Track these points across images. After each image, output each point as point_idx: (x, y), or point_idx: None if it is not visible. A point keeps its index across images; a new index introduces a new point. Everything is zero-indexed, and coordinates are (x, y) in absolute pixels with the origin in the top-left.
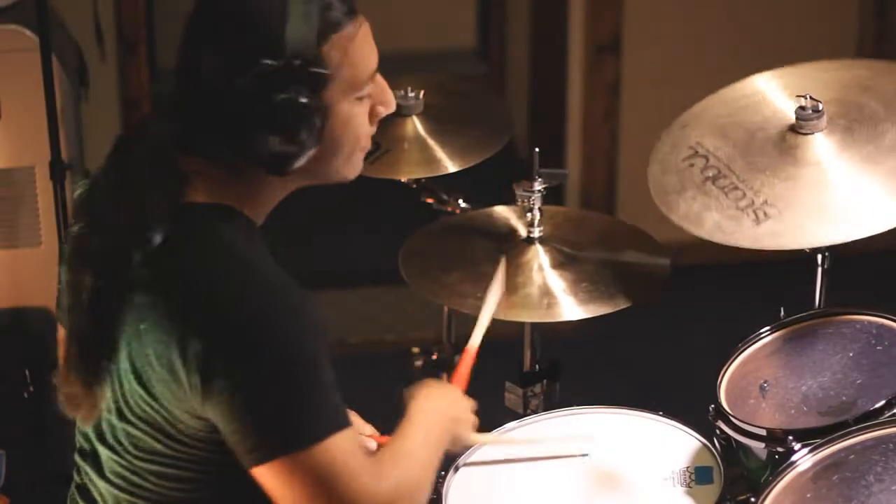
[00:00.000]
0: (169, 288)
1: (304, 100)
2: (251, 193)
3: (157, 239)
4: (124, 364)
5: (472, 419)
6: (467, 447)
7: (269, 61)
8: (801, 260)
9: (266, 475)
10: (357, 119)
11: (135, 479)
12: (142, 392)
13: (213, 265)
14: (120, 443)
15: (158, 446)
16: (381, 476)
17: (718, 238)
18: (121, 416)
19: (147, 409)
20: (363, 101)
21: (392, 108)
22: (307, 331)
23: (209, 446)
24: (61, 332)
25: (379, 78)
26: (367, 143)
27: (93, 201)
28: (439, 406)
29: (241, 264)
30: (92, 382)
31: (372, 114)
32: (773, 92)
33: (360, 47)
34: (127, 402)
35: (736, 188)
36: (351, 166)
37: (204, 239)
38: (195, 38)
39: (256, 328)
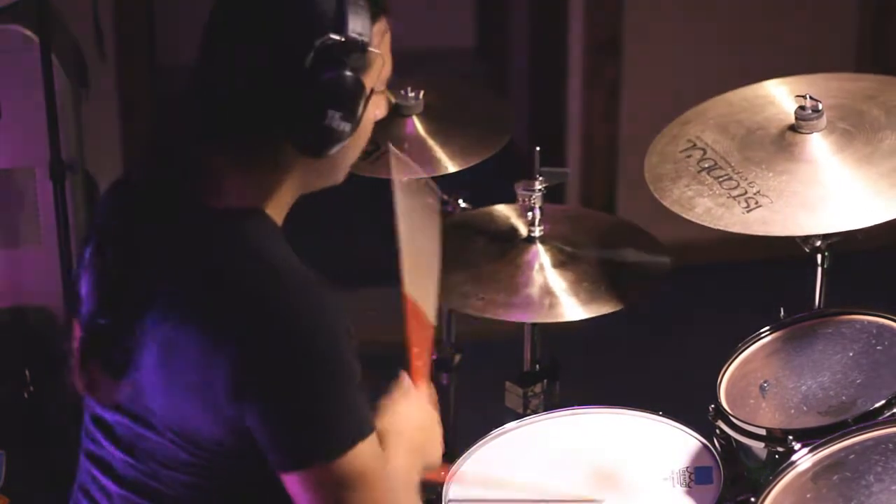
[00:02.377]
0: (197, 294)
1: (358, 78)
2: (271, 194)
3: (184, 244)
4: (149, 374)
5: (438, 438)
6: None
7: (333, 36)
8: (801, 260)
9: (296, 482)
10: (371, 115)
11: (154, 484)
12: (168, 401)
13: (240, 270)
14: (141, 450)
15: (184, 455)
16: (395, 478)
17: (708, 222)
18: (145, 424)
19: (174, 418)
20: (376, 99)
21: (384, 115)
22: (336, 332)
23: (236, 453)
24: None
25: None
26: (363, 144)
27: (119, 203)
28: (409, 432)
29: (269, 268)
30: (112, 373)
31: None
32: (779, 96)
33: (389, 42)
34: (151, 411)
35: (730, 178)
36: (346, 167)
37: (231, 242)
38: (244, 14)
39: (287, 333)
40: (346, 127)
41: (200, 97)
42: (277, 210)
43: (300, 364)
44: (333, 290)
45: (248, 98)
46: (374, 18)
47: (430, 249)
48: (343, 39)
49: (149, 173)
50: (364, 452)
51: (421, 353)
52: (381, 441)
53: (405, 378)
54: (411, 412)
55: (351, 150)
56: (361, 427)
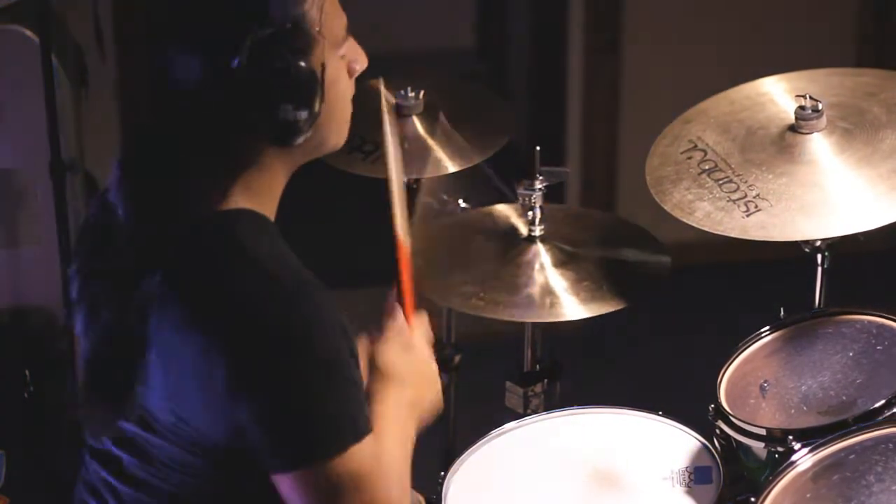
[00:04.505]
0: (192, 298)
1: (303, 63)
2: (258, 190)
3: (176, 250)
4: (153, 378)
5: (436, 382)
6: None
7: (260, 30)
8: (801, 260)
9: (289, 483)
10: (343, 78)
11: (163, 485)
12: (170, 404)
13: (233, 272)
14: (147, 451)
15: (189, 456)
16: (390, 476)
17: (707, 227)
18: (148, 427)
19: (178, 424)
20: (343, 60)
21: (365, 63)
22: (331, 331)
23: (240, 454)
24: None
25: (349, 36)
26: (350, 106)
27: (103, 221)
28: (402, 390)
29: (262, 268)
30: (115, 405)
31: (349, 72)
32: (778, 94)
33: (332, 3)
34: (156, 418)
35: (730, 181)
36: (343, 131)
37: (221, 245)
38: (171, 30)
39: (280, 333)
40: (303, 115)
41: (163, 108)
42: (268, 201)
43: (294, 364)
44: (327, 288)
45: (202, 106)
46: None
47: (401, 183)
48: (273, 30)
49: (130, 182)
50: (359, 454)
51: (410, 290)
52: (376, 419)
53: (399, 314)
54: (407, 359)
55: (333, 118)
56: (357, 428)
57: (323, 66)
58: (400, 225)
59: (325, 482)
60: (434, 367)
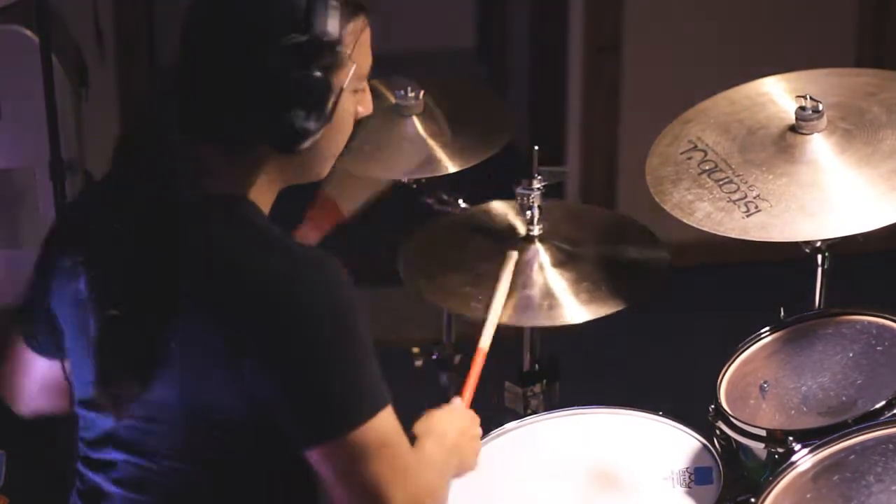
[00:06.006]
0: (212, 274)
1: (324, 76)
2: (254, 187)
3: (188, 226)
4: (167, 360)
5: (478, 446)
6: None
7: (297, 35)
8: (801, 260)
9: (321, 455)
10: (351, 111)
11: (159, 480)
12: (185, 386)
13: (252, 247)
14: (146, 446)
15: (195, 440)
16: (419, 456)
17: (707, 227)
18: (152, 419)
19: (191, 402)
20: (356, 96)
21: (370, 112)
22: (352, 305)
23: (253, 435)
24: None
25: (367, 83)
26: (343, 143)
27: (96, 205)
28: (447, 436)
29: (280, 244)
30: (133, 389)
31: (355, 112)
32: (778, 94)
33: (367, 41)
34: (164, 400)
35: (730, 181)
36: (328, 164)
37: (235, 222)
38: (214, 13)
39: (306, 306)
40: (311, 125)
41: (179, 95)
42: (262, 203)
43: (320, 336)
44: (338, 262)
45: (219, 97)
46: (348, 17)
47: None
48: (309, 39)
49: (131, 167)
50: (383, 421)
51: (472, 388)
52: (420, 438)
53: (456, 400)
54: (453, 417)
55: (328, 146)
56: (379, 397)
57: (341, 89)
58: (487, 337)
59: (357, 450)
60: (478, 436)
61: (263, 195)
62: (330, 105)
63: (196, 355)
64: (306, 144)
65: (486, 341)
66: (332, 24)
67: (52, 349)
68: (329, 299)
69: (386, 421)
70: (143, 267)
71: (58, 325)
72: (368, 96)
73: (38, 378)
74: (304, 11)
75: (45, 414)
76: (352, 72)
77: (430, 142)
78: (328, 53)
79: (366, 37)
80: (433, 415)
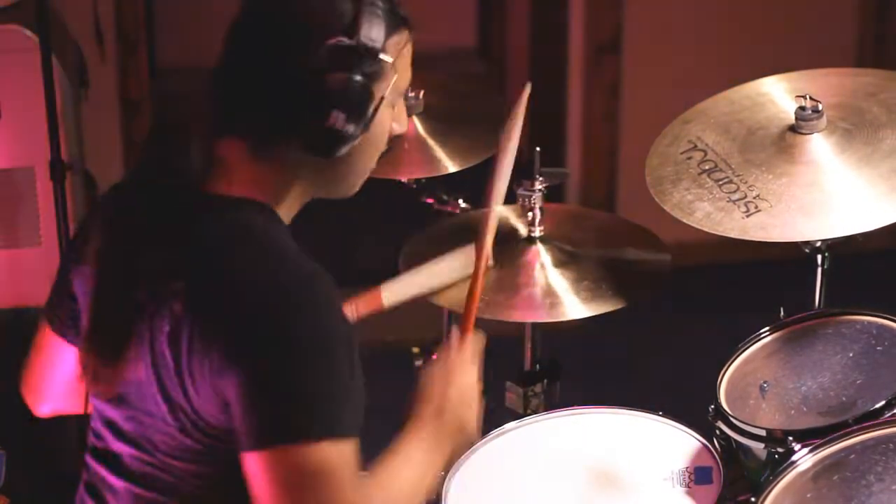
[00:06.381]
0: (196, 272)
1: (367, 82)
2: (278, 193)
3: (189, 227)
4: (157, 359)
5: (476, 413)
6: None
7: (344, 39)
8: (801, 260)
9: (256, 462)
10: (386, 126)
11: (163, 475)
12: (173, 386)
13: (243, 251)
14: (147, 441)
15: (189, 441)
16: (367, 497)
17: (707, 227)
18: (150, 414)
19: (180, 403)
20: (393, 111)
21: (404, 130)
22: (332, 326)
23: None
24: (43, 336)
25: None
26: (375, 160)
27: (124, 194)
28: (443, 411)
29: (272, 251)
30: (112, 360)
31: (390, 129)
32: (778, 94)
33: (408, 56)
34: (156, 400)
35: (730, 181)
36: (357, 182)
37: (235, 226)
38: (262, 13)
39: (284, 312)
40: (350, 128)
41: (217, 91)
42: (284, 211)
43: (287, 343)
44: (334, 286)
45: (259, 94)
46: (392, 29)
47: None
48: (354, 44)
49: (156, 164)
50: (333, 451)
51: (474, 307)
52: (404, 440)
53: (455, 334)
54: (450, 383)
55: (361, 159)
56: (336, 426)
57: (381, 98)
58: (487, 243)
59: (293, 469)
60: (476, 395)
61: (287, 203)
62: (369, 112)
63: (178, 352)
64: (342, 151)
65: (487, 247)
66: (378, 33)
67: (71, 332)
68: (310, 315)
69: (336, 451)
70: (148, 257)
71: (78, 309)
72: (404, 114)
73: (65, 373)
74: (351, 17)
75: (61, 414)
76: (392, 82)
77: (430, 142)
78: (372, 61)
79: (408, 51)
80: (426, 390)
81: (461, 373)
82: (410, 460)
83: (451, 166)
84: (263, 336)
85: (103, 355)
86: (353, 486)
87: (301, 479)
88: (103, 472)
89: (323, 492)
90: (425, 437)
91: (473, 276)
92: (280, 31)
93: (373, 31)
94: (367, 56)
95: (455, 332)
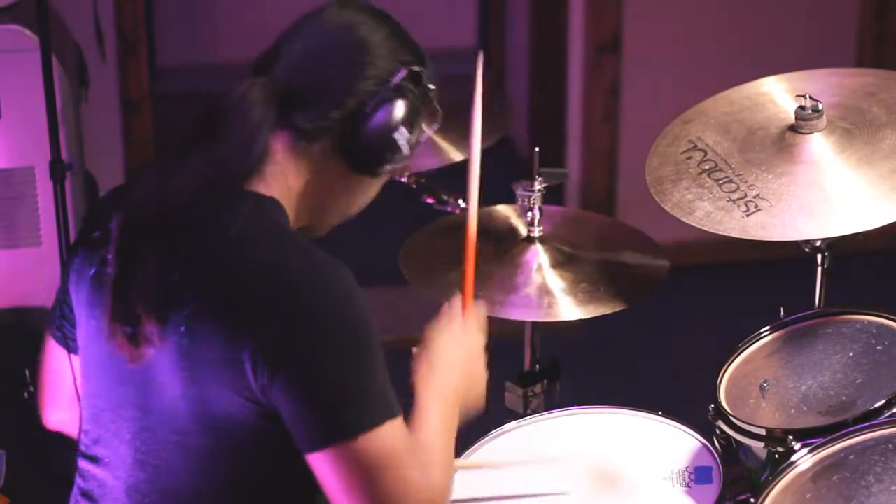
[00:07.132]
0: (225, 270)
1: (419, 114)
2: (293, 198)
3: (212, 220)
4: (169, 356)
5: (482, 379)
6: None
7: (416, 67)
8: (801, 260)
9: (323, 461)
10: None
11: (161, 475)
12: (188, 385)
13: (272, 246)
14: (148, 440)
15: (193, 441)
16: (425, 465)
17: (707, 227)
18: (153, 412)
19: (192, 402)
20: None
21: (398, 176)
22: (366, 314)
23: (255, 436)
24: (48, 345)
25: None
26: (364, 202)
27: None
28: (449, 377)
29: (300, 246)
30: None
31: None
32: (778, 94)
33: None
34: (165, 400)
35: (730, 181)
36: (351, 213)
37: (264, 222)
38: (343, 32)
39: (321, 309)
40: (405, 146)
41: (280, 86)
42: (300, 216)
43: (334, 340)
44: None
45: (331, 99)
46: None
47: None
48: (425, 72)
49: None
50: (392, 432)
51: (471, 279)
52: (420, 403)
53: (457, 302)
54: (457, 348)
55: (370, 190)
56: (389, 407)
57: (419, 135)
58: (472, 215)
59: (361, 458)
60: (482, 362)
61: (295, 213)
62: (414, 139)
63: (199, 348)
64: (388, 167)
65: (472, 219)
66: (432, 78)
67: (73, 342)
68: (344, 305)
69: (392, 432)
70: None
71: (72, 316)
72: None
73: (69, 385)
74: (420, 51)
75: (66, 431)
76: (432, 129)
77: (430, 141)
78: (428, 96)
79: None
80: (435, 352)
81: (471, 339)
82: (440, 416)
83: (451, 156)
84: (306, 331)
85: (141, 322)
86: (414, 459)
87: (368, 467)
88: (101, 476)
89: (391, 471)
90: (442, 402)
91: (466, 247)
92: (364, 44)
93: (433, 73)
94: (427, 90)
95: (456, 299)
